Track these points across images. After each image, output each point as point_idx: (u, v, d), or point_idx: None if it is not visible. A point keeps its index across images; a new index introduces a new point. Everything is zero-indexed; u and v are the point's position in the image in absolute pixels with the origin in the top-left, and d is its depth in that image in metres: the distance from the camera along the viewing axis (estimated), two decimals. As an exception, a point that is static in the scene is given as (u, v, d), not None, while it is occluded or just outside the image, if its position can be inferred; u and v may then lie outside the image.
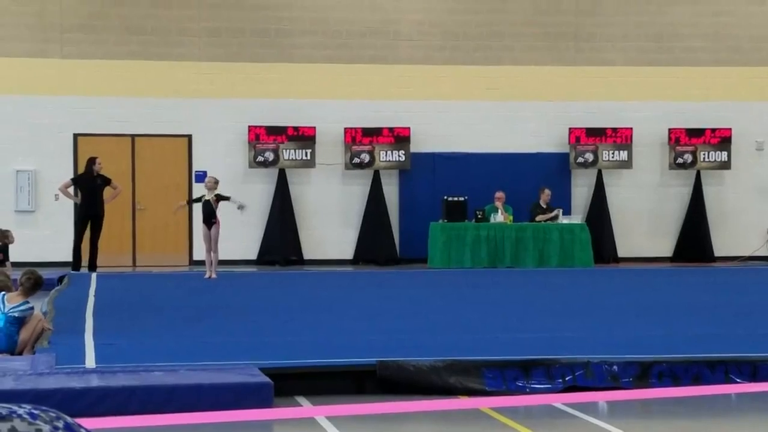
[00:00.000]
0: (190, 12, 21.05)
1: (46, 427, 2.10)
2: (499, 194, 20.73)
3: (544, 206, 20.89)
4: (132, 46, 20.86)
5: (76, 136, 20.80)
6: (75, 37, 20.77)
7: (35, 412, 2.11)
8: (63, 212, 20.21)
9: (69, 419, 2.13)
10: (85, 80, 20.74)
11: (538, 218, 20.66)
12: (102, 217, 18.99)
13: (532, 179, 21.21)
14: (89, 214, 18.90)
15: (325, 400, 8.23)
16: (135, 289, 16.39)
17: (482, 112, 21.68)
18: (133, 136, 20.97)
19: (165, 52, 20.93)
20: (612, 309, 13.02)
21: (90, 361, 8.92)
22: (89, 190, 18.96)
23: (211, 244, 17.55)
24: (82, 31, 20.79)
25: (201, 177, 20.03)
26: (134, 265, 20.97)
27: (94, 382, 7.93)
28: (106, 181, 19.05)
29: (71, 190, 18.99)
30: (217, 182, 17.80)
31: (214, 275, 17.47)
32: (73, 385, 7.79)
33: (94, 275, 17.94)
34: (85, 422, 3.18)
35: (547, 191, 20.91)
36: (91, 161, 19.20)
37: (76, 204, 19.16)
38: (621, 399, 8.25)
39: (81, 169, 19.93)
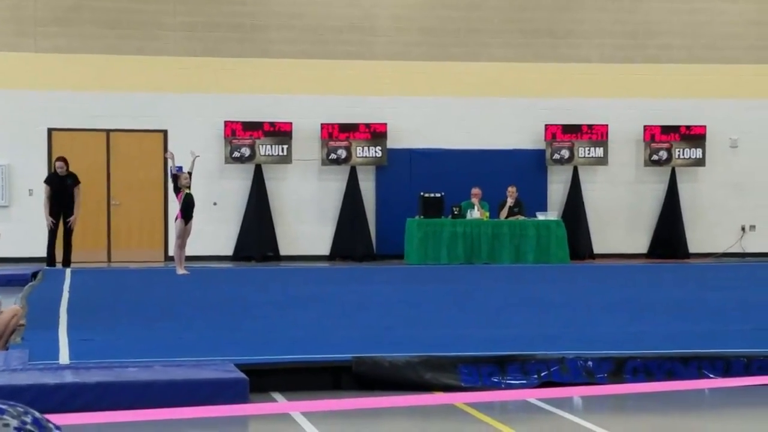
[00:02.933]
0: (166, 6, 20.98)
1: (14, 422, 2.09)
2: (476, 190, 20.77)
3: (512, 204, 20.92)
4: (107, 40, 20.76)
5: (50, 130, 20.70)
6: (49, 30, 20.65)
7: (3, 406, 2.09)
8: (37, 208, 20.08)
9: (37, 414, 2.11)
10: (59, 74, 20.63)
11: (500, 215, 20.77)
12: (72, 215, 18.88)
13: (508, 176, 21.25)
14: (60, 212, 18.81)
15: (301, 396, 8.22)
16: (110, 285, 16.32)
17: (459, 108, 21.70)
18: (108, 131, 20.88)
19: (140, 46, 20.84)
20: (587, 305, 13.06)
21: (64, 358, 8.87)
22: (59, 189, 18.87)
23: (185, 239, 17.45)
24: (56, 24, 20.67)
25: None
26: (109, 260, 20.89)
27: (68, 378, 7.89)
28: (76, 181, 18.96)
29: (46, 202, 18.82)
30: (190, 175, 17.61)
31: (187, 271, 17.42)
32: (47, 381, 7.74)
33: (68, 271, 17.85)
34: (59, 418, 3.16)
35: (510, 189, 20.89)
36: (55, 161, 19.15)
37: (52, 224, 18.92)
38: (595, 394, 8.27)
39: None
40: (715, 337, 10.09)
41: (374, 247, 21.51)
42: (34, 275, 16.72)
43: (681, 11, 22.34)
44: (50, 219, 18.73)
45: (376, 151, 21.39)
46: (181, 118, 20.93)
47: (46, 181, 19.03)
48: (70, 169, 19.03)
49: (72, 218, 18.81)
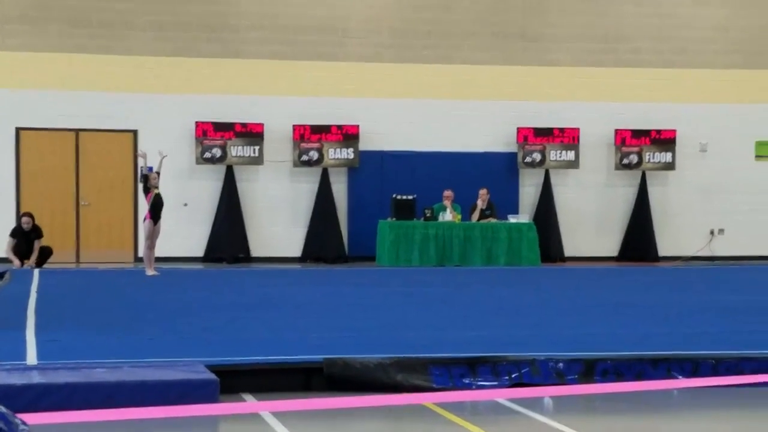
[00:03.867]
0: (136, 5, 20.88)
1: (-20, 416, 2.06)
2: (448, 193, 20.80)
3: (484, 207, 20.97)
4: (77, 39, 20.64)
5: (18, 129, 20.55)
6: (17, 29, 20.51)
7: (-30, 402, 2.07)
8: (3, 208, 19.97)
9: (3, 409, 2.09)
10: (28, 73, 20.49)
11: (472, 218, 20.84)
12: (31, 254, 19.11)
13: (480, 178, 21.29)
14: (23, 256, 19.05)
15: (271, 397, 8.19)
16: (78, 285, 16.22)
17: (431, 110, 21.72)
18: (77, 131, 20.75)
19: (110, 45, 20.73)
20: (558, 307, 13.10)
21: (31, 358, 8.80)
22: (23, 242, 19.06)
23: (154, 240, 17.39)
24: (25, 23, 20.54)
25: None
26: (78, 261, 20.76)
27: (36, 378, 7.82)
28: (39, 234, 19.10)
29: (9, 252, 18.90)
30: (158, 175, 17.57)
31: (157, 272, 17.37)
32: (14, 382, 7.67)
33: (36, 271, 17.76)
34: (26, 418, 3.13)
35: (482, 192, 20.95)
36: (20, 217, 19.14)
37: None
38: (566, 395, 8.29)
39: (23, 164, 20.04)
40: (684, 339, 10.15)
41: (346, 248, 21.49)
42: (1, 275, 16.59)
43: (651, 16, 22.46)
44: (17, 260, 18.91)
45: (348, 153, 21.38)
46: (151, 119, 20.84)
47: (12, 234, 19.07)
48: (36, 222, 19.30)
49: (29, 261, 18.98)
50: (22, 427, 2.06)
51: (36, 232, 19.17)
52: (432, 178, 21.24)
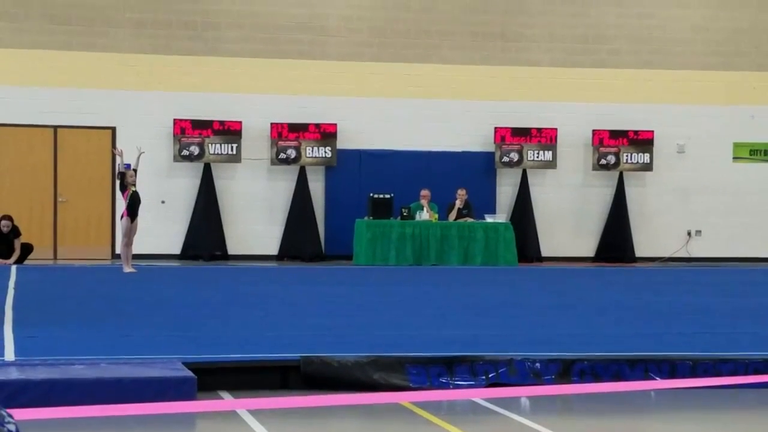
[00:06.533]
0: (116, 2, 20.80)
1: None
2: (425, 192, 20.82)
3: (461, 206, 21.00)
4: (56, 35, 20.55)
5: (-4, 126, 20.45)
6: (-3, 25, 20.39)
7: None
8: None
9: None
10: (6, 70, 20.38)
11: (449, 217, 20.87)
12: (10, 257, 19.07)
13: (457, 178, 21.32)
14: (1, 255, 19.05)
15: (249, 395, 8.18)
16: (56, 281, 16.16)
17: (409, 109, 21.73)
18: (55, 128, 20.66)
19: (90, 42, 20.65)
20: (535, 307, 13.13)
21: (9, 354, 8.77)
22: (2, 243, 19.11)
23: (131, 237, 17.35)
24: (3, 19, 20.43)
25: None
26: (55, 257, 20.68)
27: (13, 374, 7.80)
28: (17, 234, 19.13)
29: None
30: (135, 172, 17.54)
31: (134, 269, 17.33)
32: (-9, 378, 7.64)
33: (14, 267, 17.69)
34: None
35: (460, 191, 20.99)
36: (1, 219, 19.12)
37: None
38: (543, 395, 8.31)
39: (1, 160, 19.87)
40: (661, 339, 10.19)
41: (323, 247, 21.48)
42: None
43: (630, 16, 22.55)
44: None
45: (325, 152, 21.37)
46: (130, 116, 20.77)
47: None
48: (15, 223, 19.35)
49: (10, 260, 18.95)
50: (8, 419, 2.05)
51: (14, 232, 19.15)
52: (409, 177, 21.25)
